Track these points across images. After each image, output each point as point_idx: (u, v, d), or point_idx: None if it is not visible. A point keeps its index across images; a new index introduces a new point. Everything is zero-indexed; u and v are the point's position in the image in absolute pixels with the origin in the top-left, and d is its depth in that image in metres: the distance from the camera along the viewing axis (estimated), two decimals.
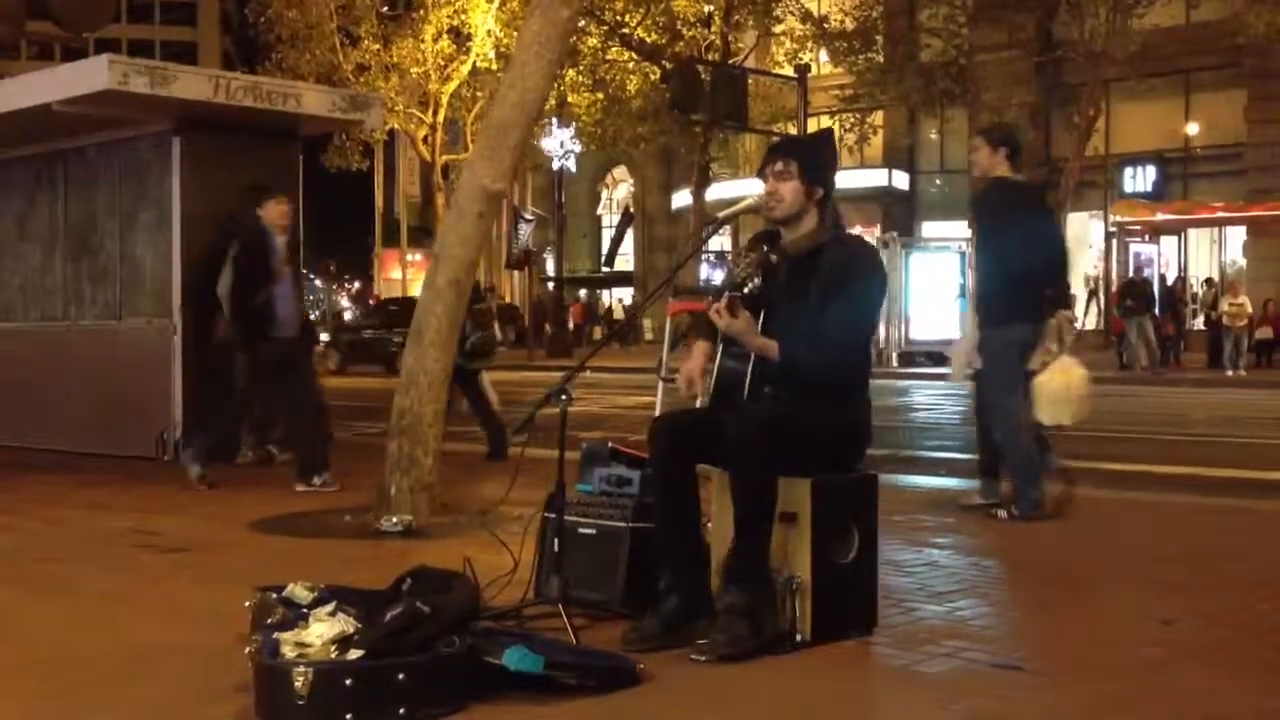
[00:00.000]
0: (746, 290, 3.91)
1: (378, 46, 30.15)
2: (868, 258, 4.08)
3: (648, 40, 27.77)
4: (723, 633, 3.66)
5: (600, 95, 29.61)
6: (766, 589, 3.77)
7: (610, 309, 48.79)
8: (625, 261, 46.30)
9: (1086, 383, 6.35)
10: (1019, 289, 6.24)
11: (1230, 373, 21.49)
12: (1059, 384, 6.26)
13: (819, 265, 3.94)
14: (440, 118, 31.47)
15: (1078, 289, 28.72)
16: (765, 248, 4.02)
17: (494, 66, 28.01)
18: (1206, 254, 30.03)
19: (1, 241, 10.66)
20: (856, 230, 27.60)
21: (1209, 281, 27.67)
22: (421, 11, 29.68)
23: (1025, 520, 6.13)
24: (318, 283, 63.93)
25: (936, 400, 17.65)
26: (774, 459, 3.73)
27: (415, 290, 33.57)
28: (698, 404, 4.24)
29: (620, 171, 47.58)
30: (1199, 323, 26.76)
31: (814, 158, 4.08)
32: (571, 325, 37.80)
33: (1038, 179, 27.74)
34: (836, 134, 29.62)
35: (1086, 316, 30.40)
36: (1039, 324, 6.32)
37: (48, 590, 4.82)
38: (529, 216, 33.27)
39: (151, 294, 9.30)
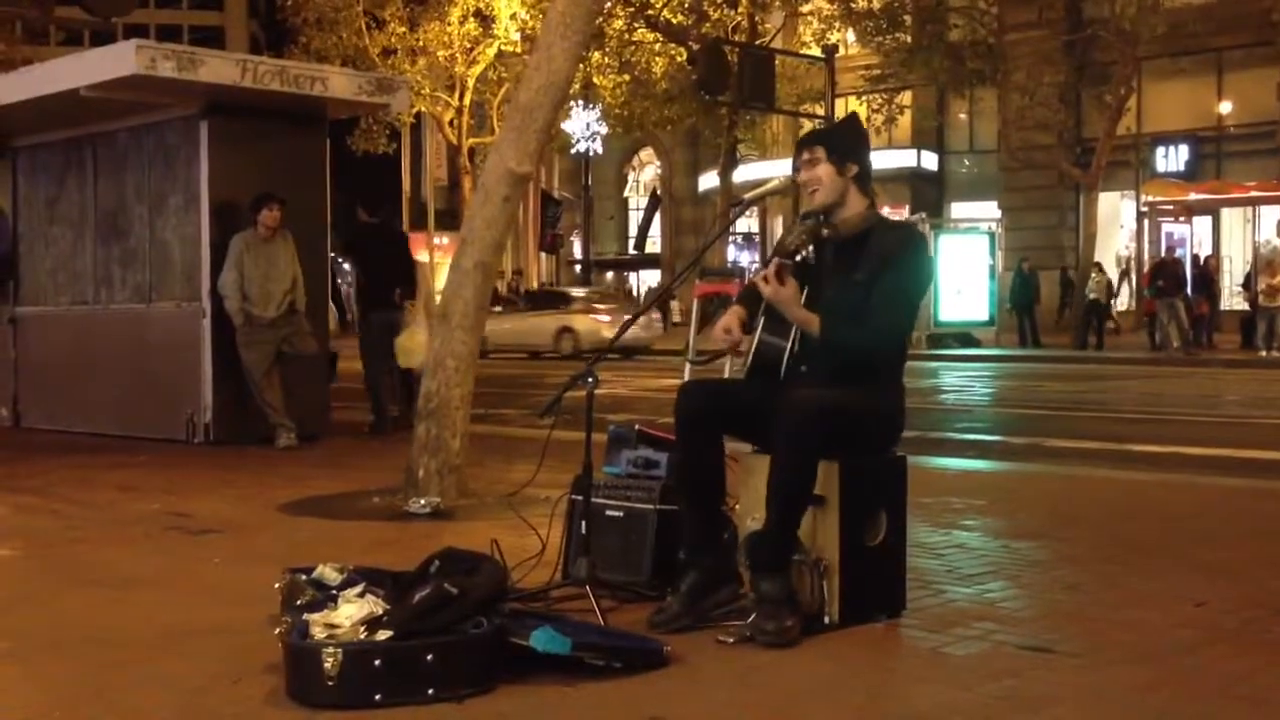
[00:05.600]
0: (799, 258, 3.88)
1: (404, 30, 30.15)
2: (915, 242, 4.06)
3: (674, 21, 27.65)
4: (769, 621, 3.62)
5: (626, 77, 29.53)
6: (792, 569, 3.75)
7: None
8: (653, 244, 46.28)
9: (421, 344, 9.24)
10: (379, 290, 9.87)
11: (1264, 353, 21.27)
12: (404, 343, 9.60)
13: (866, 247, 3.93)
14: (466, 101, 31.47)
15: (1110, 270, 28.50)
16: (821, 217, 4.00)
17: (519, 49, 27.99)
18: (1240, 234, 29.71)
19: (32, 226, 10.74)
20: (885, 211, 27.41)
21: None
22: None
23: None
24: (346, 266, 64.15)
25: (966, 382, 17.57)
26: (822, 446, 3.70)
27: (441, 273, 33.57)
28: (726, 370, 4.23)
29: (647, 154, 47.46)
30: (1234, 303, 26.48)
31: (838, 138, 4.12)
32: None
33: (1070, 160, 27.58)
34: (864, 115, 29.60)
35: (1118, 298, 30.14)
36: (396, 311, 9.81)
37: (79, 571, 4.86)
38: (558, 199, 33.25)
39: (181, 277, 9.35)
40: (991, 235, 26.17)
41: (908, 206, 33.81)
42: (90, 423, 9.89)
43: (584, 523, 4.04)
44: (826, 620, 3.78)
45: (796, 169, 4.06)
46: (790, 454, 3.69)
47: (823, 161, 3.98)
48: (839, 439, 3.76)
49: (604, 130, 33.98)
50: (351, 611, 3.29)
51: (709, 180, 38.03)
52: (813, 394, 3.79)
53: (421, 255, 51.50)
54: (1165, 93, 29.88)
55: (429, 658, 3.14)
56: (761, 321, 3.99)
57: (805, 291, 3.91)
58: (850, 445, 3.82)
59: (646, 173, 48.91)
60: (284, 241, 8.94)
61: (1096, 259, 25.81)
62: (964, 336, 25.27)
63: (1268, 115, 28.42)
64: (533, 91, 6.40)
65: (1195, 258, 27.13)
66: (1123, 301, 30.57)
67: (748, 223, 40.54)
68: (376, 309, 9.89)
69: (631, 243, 48.68)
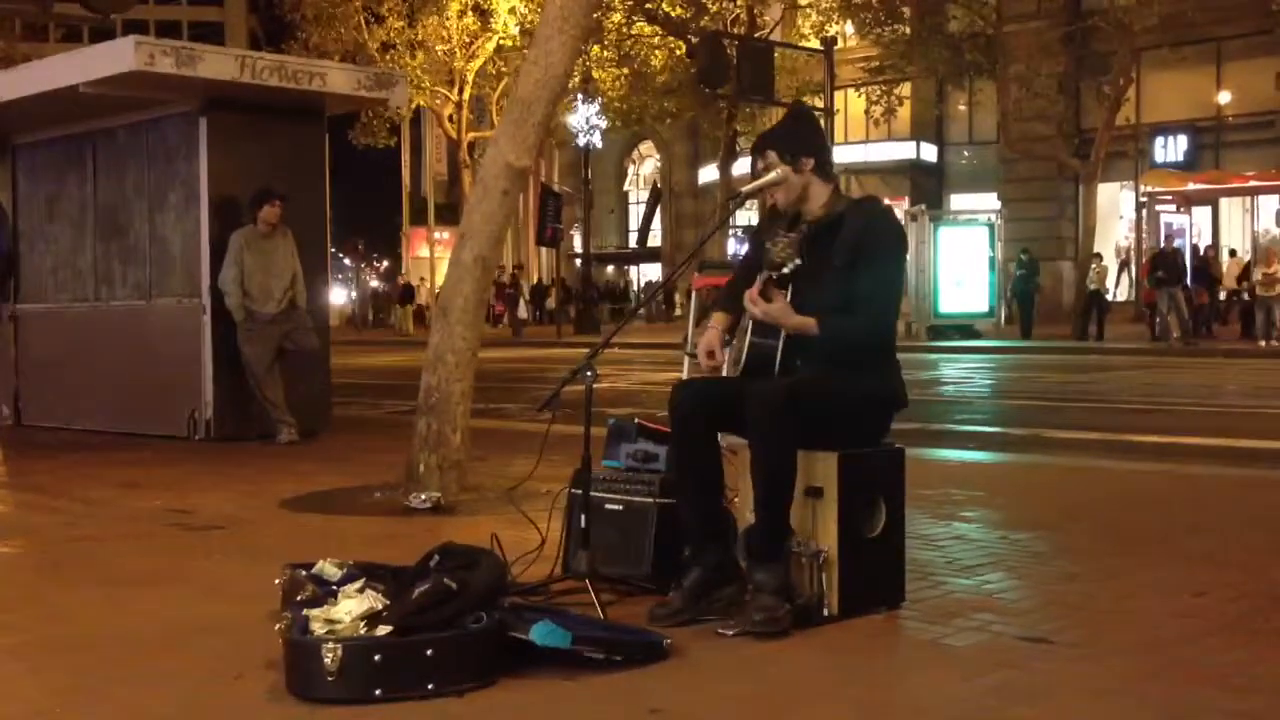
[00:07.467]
0: (786, 270, 3.89)
1: (403, 24, 30.17)
2: (885, 220, 4.06)
3: (673, 14, 27.64)
4: (759, 611, 3.64)
5: (625, 70, 29.52)
6: (789, 559, 3.76)
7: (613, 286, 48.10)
8: (654, 237, 46.29)
9: None
10: None
11: (1263, 343, 21.26)
12: None
13: (840, 232, 3.93)
14: (466, 95, 31.50)
15: (1109, 260, 28.47)
16: (804, 227, 4.00)
17: (518, 43, 27.98)
18: (1239, 224, 29.71)
19: (33, 223, 10.74)
20: (885, 203, 27.36)
21: (1232, 252, 27.43)
22: None
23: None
24: (346, 261, 64.13)
25: (966, 374, 17.58)
26: (796, 432, 3.71)
27: (442, 268, 33.51)
28: (724, 367, 4.24)
29: (646, 147, 47.46)
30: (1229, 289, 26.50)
31: (784, 137, 4.11)
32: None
33: (1070, 150, 27.61)
34: (863, 107, 29.55)
35: (1118, 288, 30.13)
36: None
37: (81, 568, 4.87)
38: (558, 193, 33.25)
39: (181, 273, 9.36)
40: (991, 226, 26.15)
41: (907, 198, 33.81)
42: (91, 420, 9.90)
43: (584, 516, 4.04)
44: (826, 612, 3.78)
45: (756, 176, 4.08)
46: (763, 443, 3.71)
47: (777, 165, 4.00)
48: (817, 424, 3.76)
49: (604, 124, 33.94)
50: (351, 607, 3.29)
51: (709, 173, 38.03)
52: (780, 382, 3.80)
53: (421, 250, 51.69)
54: (1164, 83, 29.87)
55: (429, 652, 3.14)
56: (750, 325, 3.99)
57: (790, 290, 3.91)
58: (832, 429, 3.82)
59: (646, 166, 48.91)
60: (284, 237, 8.94)
61: (1096, 249, 25.84)
62: (964, 328, 25.27)
63: (1267, 105, 28.43)
64: (531, 85, 6.40)
65: (1195, 248, 27.13)
66: (1122, 292, 30.58)
67: (748, 215, 40.52)
68: None
69: (633, 237, 48.68)
